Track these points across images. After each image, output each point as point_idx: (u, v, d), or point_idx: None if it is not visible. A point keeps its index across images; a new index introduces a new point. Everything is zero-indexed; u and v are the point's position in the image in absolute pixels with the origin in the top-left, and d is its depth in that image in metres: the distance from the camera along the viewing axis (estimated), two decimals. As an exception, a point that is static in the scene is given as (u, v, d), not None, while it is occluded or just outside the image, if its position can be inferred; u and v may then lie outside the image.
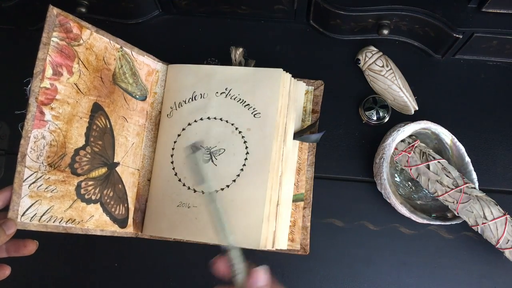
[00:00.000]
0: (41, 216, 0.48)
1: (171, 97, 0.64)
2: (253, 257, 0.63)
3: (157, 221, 0.60)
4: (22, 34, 0.72)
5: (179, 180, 0.61)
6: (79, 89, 0.53)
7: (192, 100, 0.63)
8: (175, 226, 0.59)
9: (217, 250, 0.63)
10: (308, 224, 0.63)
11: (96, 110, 0.55)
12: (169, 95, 0.65)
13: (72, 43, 0.52)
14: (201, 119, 0.62)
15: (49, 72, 0.49)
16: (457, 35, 0.62)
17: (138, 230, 0.61)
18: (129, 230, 0.60)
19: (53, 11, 0.49)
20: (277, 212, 0.59)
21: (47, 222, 0.48)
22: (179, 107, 0.64)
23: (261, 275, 0.41)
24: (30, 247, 0.46)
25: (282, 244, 0.60)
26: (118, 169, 0.58)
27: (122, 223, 0.58)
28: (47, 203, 0.48)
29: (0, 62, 0.72)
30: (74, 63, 0.52)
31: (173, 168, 0.61)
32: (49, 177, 0.49)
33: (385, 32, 0.64)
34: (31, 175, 0.47)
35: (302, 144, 0.65)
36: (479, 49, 0.66)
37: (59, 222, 0.50)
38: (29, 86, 0.47)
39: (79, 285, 0.64)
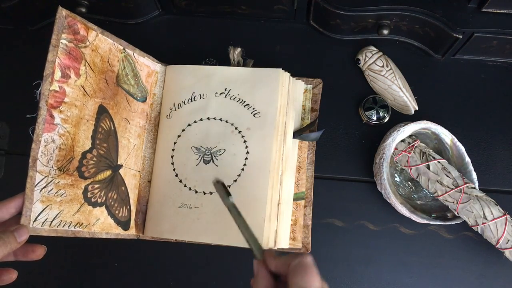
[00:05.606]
0: (52, 221, 0.47)
1: (170, 98, 0.64)
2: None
3: (158, 222, 0.60)
4: (22, 34, 0.72)
5: (180, 181, 0.61)
6: (85, 91, 0.52)
7: (191, 100, 0.63)
8: (177, 227, 0.59)
9: (217, 251, 0.64)
10: (309, 222, 0.63)
11: (102, 112, 0.54)
12: (168, 96, 0.65)
13: (80, 45, 0.51)
14: (201, 119, 0.62)
15: (58, 74, 0.48)
16: (457, 35, 0.62)
17: (139, 232, 0.61)
18: (131, 232, 0.59)
19: (62, 12, 0.48)
20: (278, 212, 0.59)
21: (57, 226, 0.48)
22: (178, 108, 0.63)
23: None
24: (38, 252, 0.46)
25: (284, 243, 0.60)
26: (121, 171, 0.58)
27: (125, 225, 0.58)
28: (57, 207, 0.48)
29: (-1, 62, 0.72)
30: (81, 65, 0.51)
31: (174, 169, 0.61)
32: (58, 181, 0.48)
33: (385, 32, 0.64)
34: (42, 179, 0.46)
35: (302, 142, 0.65)
36: (479, 49, 0.66)
37: (68, 227, 0.49)
38: (39, 89, 0.46)
39: (79, 286, 0.64)
